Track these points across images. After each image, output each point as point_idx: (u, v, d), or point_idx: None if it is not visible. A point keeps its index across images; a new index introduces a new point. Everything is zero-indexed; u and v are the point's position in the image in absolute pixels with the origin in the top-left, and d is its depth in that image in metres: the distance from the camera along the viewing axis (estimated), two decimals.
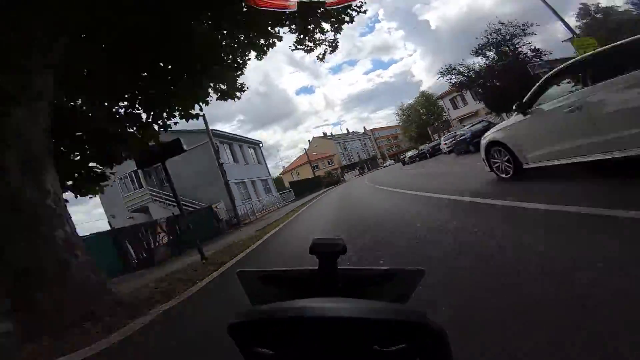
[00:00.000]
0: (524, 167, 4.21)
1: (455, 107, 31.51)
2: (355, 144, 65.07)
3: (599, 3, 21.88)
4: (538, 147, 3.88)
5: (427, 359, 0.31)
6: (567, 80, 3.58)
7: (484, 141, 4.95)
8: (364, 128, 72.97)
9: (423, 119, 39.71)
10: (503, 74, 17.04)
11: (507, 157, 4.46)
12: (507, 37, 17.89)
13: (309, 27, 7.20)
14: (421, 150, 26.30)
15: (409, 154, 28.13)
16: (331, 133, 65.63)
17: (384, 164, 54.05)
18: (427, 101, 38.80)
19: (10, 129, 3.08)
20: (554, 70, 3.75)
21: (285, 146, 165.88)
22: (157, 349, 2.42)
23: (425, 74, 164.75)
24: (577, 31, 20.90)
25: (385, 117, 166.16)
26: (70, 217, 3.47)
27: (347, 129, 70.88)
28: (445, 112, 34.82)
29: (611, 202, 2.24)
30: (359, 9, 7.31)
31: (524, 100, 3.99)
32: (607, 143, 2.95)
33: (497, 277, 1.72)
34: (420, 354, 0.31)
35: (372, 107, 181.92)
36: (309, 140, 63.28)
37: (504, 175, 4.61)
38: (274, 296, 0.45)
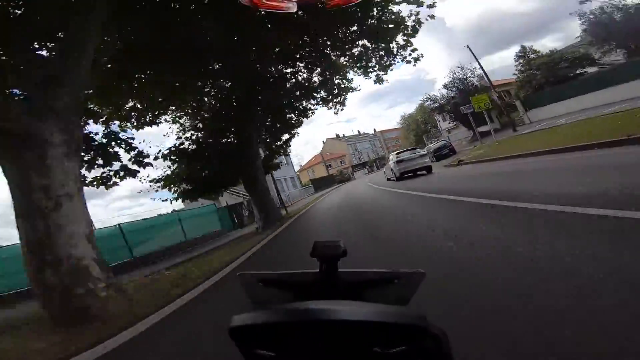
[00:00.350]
0: (388, 178, 13.82)
1: (445, 119, 39.01)
2: (365, 145, 70.16)
3: (532, 45, 26.24)
4: (388, 174, 13.71)
5: None
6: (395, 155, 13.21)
7: (383, 170, 14.91)
8: (374, 130, 78.63)
9: (422, 128, 47.51)
10: (456, 105, 24.99)
11: (386, 176, 14.24)
12: (464, 77, 25.95)
13: (329, 97, 15.43)
14: None
15: None
16: (343, 134, 70.94)
17: None
18: (425, 112, 46.23)
19: (253, 163, 11.64)
20: (394, 152, 13.75)
21: (296, 143, 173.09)
22: (302, 223, 10.94)
23: (439, 72, 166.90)
24: (515, 70, 27.46)
25: (398, 115, 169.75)
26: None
27: (359, 131, 75.10)
28: (438, 123, 42.46)
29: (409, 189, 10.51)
30: (356, 89, 15.41)
31: (388, 159, 13.75)
32: (393, 175, 12.71)
33: (372, 201, 10.05)
34: (421, 357, 0.31)
35: (386, 105, 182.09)
36: (323, 142, 69.98)
37: (386, 180, 14.31)
38: (275, 299, 0.47)
